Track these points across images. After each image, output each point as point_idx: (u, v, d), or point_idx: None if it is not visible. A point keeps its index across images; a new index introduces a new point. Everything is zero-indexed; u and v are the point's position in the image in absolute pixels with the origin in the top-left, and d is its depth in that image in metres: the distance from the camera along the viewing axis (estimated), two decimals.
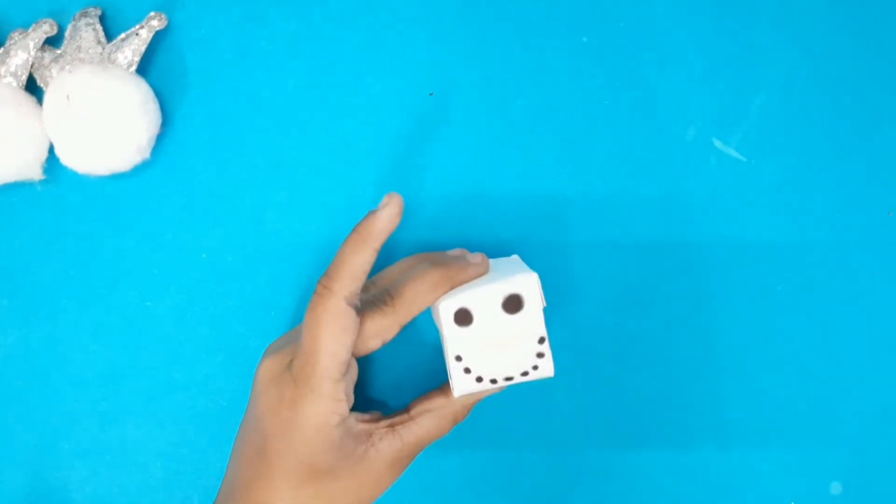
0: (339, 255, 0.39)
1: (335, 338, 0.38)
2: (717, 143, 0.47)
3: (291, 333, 0.43)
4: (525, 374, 0.40)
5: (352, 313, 0.38)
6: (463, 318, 0.40)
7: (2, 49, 0.46)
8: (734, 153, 0.48)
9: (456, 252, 0.44)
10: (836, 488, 0.47)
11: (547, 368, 0.40)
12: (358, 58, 0.47)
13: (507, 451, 0.47)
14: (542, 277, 0.39)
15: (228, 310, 0.47)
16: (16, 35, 0.46)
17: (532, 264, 0.43)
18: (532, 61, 0.48)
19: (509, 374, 0.40)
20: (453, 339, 0.40)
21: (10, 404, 0.47)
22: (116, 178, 0.46)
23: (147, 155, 0.46)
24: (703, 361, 0.47)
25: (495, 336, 0.40)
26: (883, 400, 0.47)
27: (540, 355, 0.40)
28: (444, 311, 0.39)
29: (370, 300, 0.40)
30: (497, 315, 0.39)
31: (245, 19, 0.47)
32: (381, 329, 0.39)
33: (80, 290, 0.47)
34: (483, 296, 0.39)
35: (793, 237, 0.47)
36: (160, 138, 0.46)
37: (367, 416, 0.41)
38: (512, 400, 0.47)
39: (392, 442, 0.41)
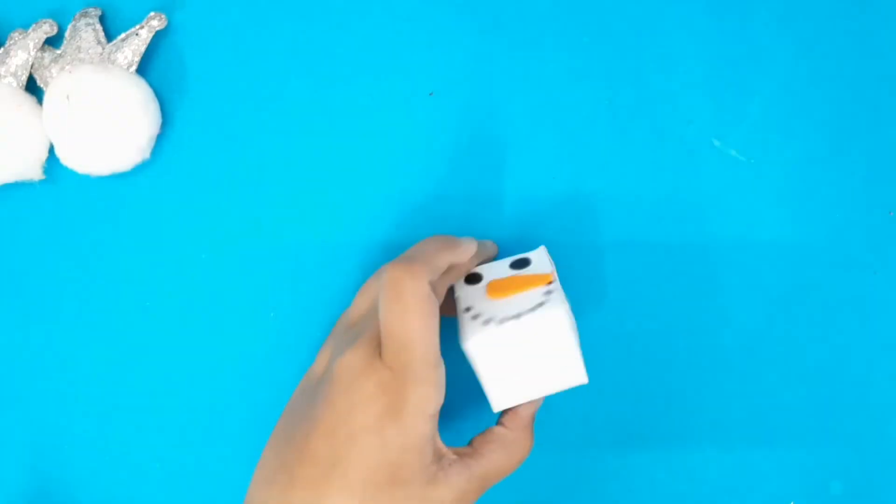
0: (421, 247, 0.39)
1: (427, 322, 0.36)
2: (717, 143, 0.47)
3: (347, 326, 0.41)
4: (533, 309, 0.38)
5: (435, 298, 0.37)
6: (473, 278, 0.41)
7: (2, 49, 0.46)
8: (734, 153, 0.47)
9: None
10: (836, 488, 0.47)
11: (558, 298, 0.39)
12: (358, 58, 0.47)
13: None
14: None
15: (229, 310, 0.47)
16: (16, 35, 0.46)
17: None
18: (532, 61, 0.48)
19: (517, 312, 0.38)
20: (464, 295, 0.40)
21: (10, 404, 0.47)
22: (116, 178, 0.46)
23: (147, 155, 0.46)
24: (702, 361, 0.47)
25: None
26: (883, 400, 0.47)
27: (548, 292, 0.39)
28: (458, 286, 0.41)
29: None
30: (505, 273, 0.41)
31: (245, 19, 0.47)
32: None
33: (80, 290, 0.47)
34: (492, 265, 0.42)
35: (793, 237, 0.47)
36: (160, 138, 0.46)
37: (454, 449, 0.40)
38: None
39: (461, 471, 0.38)
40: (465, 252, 0.40)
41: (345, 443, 0.36)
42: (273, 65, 0.47)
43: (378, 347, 0.37)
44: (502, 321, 0.38)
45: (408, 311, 0.36)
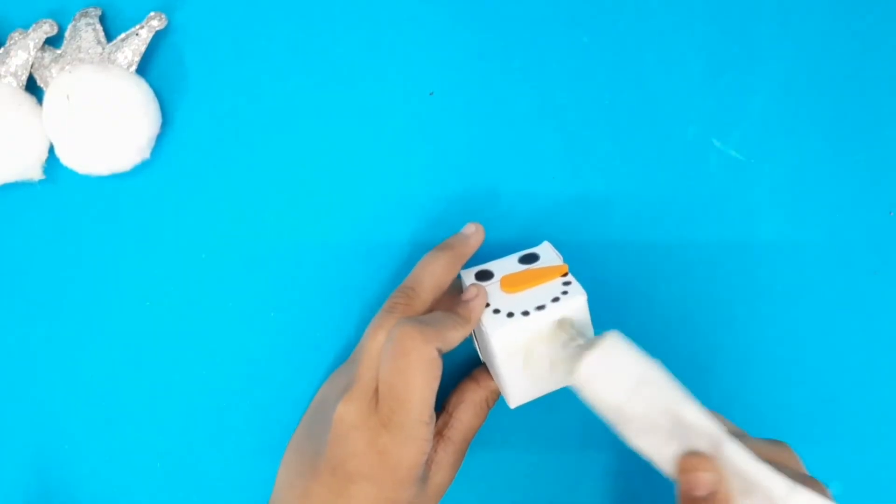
0: (439, 317, 0.39)
1: (428, 385, 0.38)
2: (717, 143, 0.47)
3: (351, 369, 0.42)
4: (556, 300, 0.39)
5: (440, 364, 0.38)
6: (483, 275, 0.41)
7: (2, 49, 0.46)
8: (734, 153, 0.48)
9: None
10: (836, 488, 0.47)
11: (577, 291, 0.40)
12: (358, 58, 0.47)
13: (508, 451, 0.47)
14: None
15: (228, 310, 0.47)
16: (16, 35, 0.46)
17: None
18: (532, 61, 0.48)
19: (540, 303, 0.39)
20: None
21: (10, 404, 0.47)
22: (116, 178, 0.46)
23: (147, 155, 0.46)
24: (702, 361, 0.47)
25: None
26: (883, 400, 0.47)
27: (566, 283, 0.40)
28: (465, 277, 0.41)
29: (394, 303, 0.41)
30: (515, 269, 0.41)
31: (245, 19, 0.47)
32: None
33: (80, 290, 0.47)
34: (500, 261, 0.42)
35: (793, 237, 0.47)
36: (160, 138, 0.46)
37: None
38: None
39: (446, 449, 0.42)
40: (472, 327, 0.40)
41: (345, 482, 0.39)
42: (273, 65, 0.47)
43: (374, 395, 0.39)
44: (526, 313, 0.39)
45: (411, 371, 0.38)
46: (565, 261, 0.43)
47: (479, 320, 0.40)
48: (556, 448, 0.47)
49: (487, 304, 0.40)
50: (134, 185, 0.47)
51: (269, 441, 0.46)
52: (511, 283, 0.41)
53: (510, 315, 0.39)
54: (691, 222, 0.47)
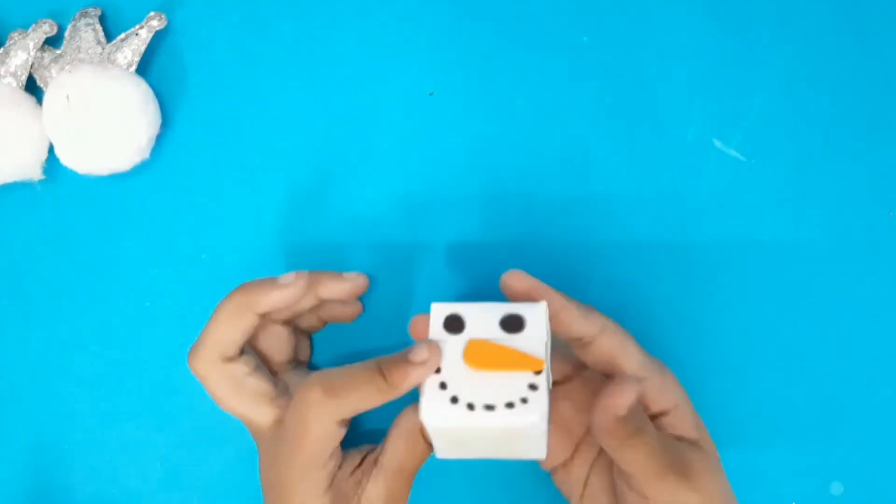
0: (354, 382, 0.37)
1: (323, 452, 0.37)
2: (718, 143, 0.47)
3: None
4: (510, 406, 0.34)
5: (342, 432, 0.38)
6: (453, 324, 0.35)
7: (2, 49, 0.46)
8: (734, 153, 0.47)
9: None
10: (836, 488, 0.47)
11: (537, 407, 0.33)
12: (358, 58, 0.47)
13: None
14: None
15: None
16: (16, 35, 0.46)
17: (531, 265, 0.43)
18: (532, 61, 0.48)
19: (491, 402, 0.33)
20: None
21: (10, 404, 0.47)
22: (116, 178, 0.46)
23: (147, 155, 0.46)
24: (702, 361, 0.47)
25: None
26: (883, 400, 0.47)
27: (533, 387, 0.34)
28: (435, 314, 0.35)
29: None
30: (492, 332, 0.35)
31: (245, 19, 0.47)
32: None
33: (80, 290, 0.47)
34: (480, 309, 0.35)
35: (793, 237, 0.47)
36: (160, 138, 0.46)
37: (357, 459, 0.40)
38: None
39: (376, 480, 0.38)
40: (397, 394, 0.36)
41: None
42: (273, 65, 0.47)
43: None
44: (472, 406, 0.34)
45: (304, 439, 0.37)
46: (565, 260, 0.42)
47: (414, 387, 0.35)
48: None
49: (438, 370, 0.34)
50: (134, 185, 0.47)
51: None
52: (475, 357, 0.35)
53: (454, 400, 0.34)
54: (691, 222, 0.47)
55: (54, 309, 0.47)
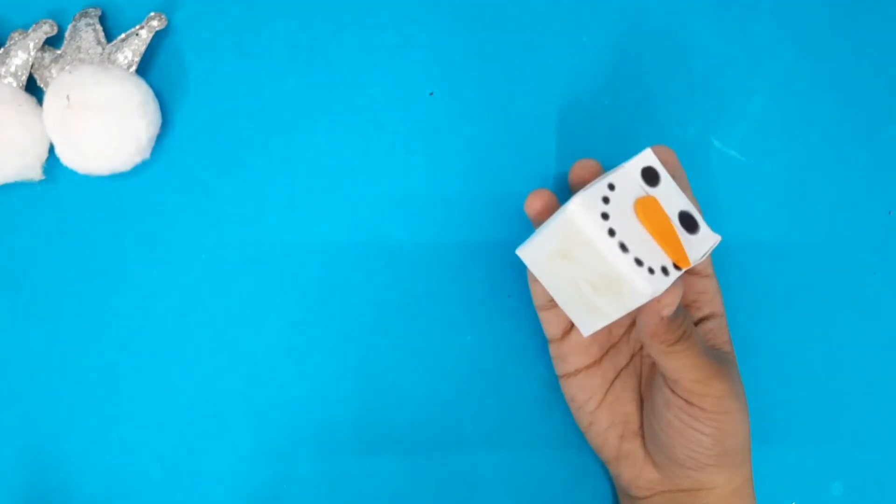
0: None
1: None
2: (717, 143, 0.47)
3: None
4: (639, 263, 0.35)
5: None
6: (650, 175, 0.37)
7: (2, 49, 0.46)
8: (734, 153, 0.48)
9: None
10: (836, 488, 0.47)
11: (650, 286, 0.35)
12: (358, 58, 0.47)
13: (508, 451, 0.47)
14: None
15: (228, 310, 0.47)
16: (16, 35, 0.46)
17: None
18: (532, 61, 0.48)
19: (629, 245, 0.35)
20: (625, 175, 0.36)
21: (10, 404, 0.47)
22: (116, 178, 0.46)
23: (147, 155, 0.46)
24: None
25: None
26: (883, 400, 0.47)
27: (665, 271, 0.35)
28: (644, 155, 0.37)
29: None
30: (670, 211, 0.36)
31: (245, 19, 0.47)
32: None
33: (80, 290, 0.47)
34: (675, 189, 0.37)
35: (793, 237, 0.47)
36: (160, 138, 0.46)
37: None
38: (512, 400, 0.47)
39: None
40: None
41: None
42: (273, 65, 0.47)
43: None
44: (612, 233, 0.35)
45: None
46: None
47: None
48: (557, 448, 0.47)
49: (612, 187, 0.35)
50: (134, 185, 0.47)
51: (269, 441, 0.46)
52: (644, 209, 0.36)
53: (605, 217, 0.35)
54: None
55: (54, 309, 0.47)
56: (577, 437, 0.47)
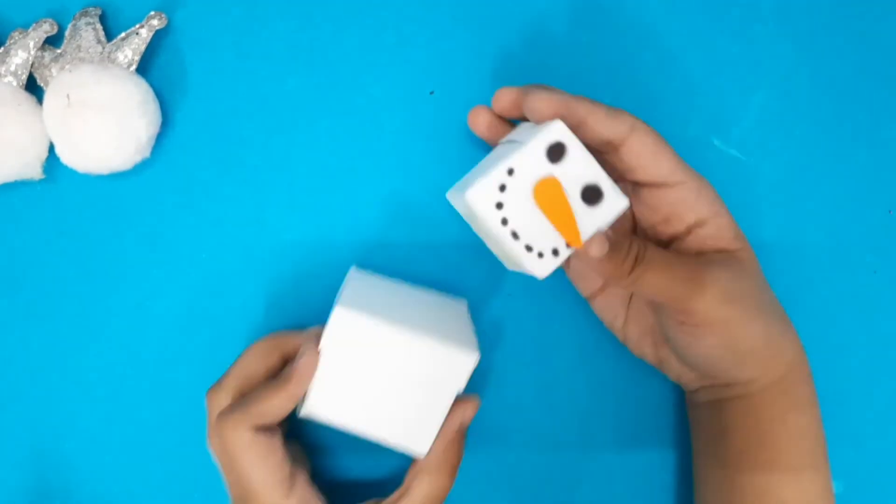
0: (256, 392, 0.39)
1: (260, 466, 0.38)
2: (717, 143, 0.47)
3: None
4: (529, 249, 0.37)
5: (264, 439, 0.38)
6: (555, 152, 0.36)
7: (2, 49, 0.46)
8: (734, 152, 0.48)
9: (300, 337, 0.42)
10: (836, 488, 0.47)
11: (545, 267, 0.37)
12: (358, 58, 0.47)
13: (508, 451, 0.47)
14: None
15: (228, 310, 0.47)
16: (16, 35, 0.46)
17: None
18: (532, 61, 0.48)
19: (520, 233, 0.37)
20: (526, 157, 0.36)
21: (10, 404, 0.47)
22: (116, 177, 0.46)
23: (147, 154, 0.46)
24: None
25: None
26: (883, 399, 0.47)
27: (555, 252, 0.37)
28: (550, 131, 0.36)
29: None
30: (573, 189, 0.37)
31: (245, 19, 0.47)
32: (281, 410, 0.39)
33: (80, 290, 0.47)
34: (585, 159, 0.36)
35: (792, 236, 0.47)
36: (160, 138, 0.46)
37: None
38: (512, 400, 0.47)
39: None
40: (296, 389, 0.38)
41: None
42: (273, 65, 0.47)
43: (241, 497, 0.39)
44: (505, 221, 0.36)
45: (237, 462, 0.38)
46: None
47: (307, 382, 0.38)
48: (556, 448, 0.47)
49: (511, 172, 0.36)
50: (134, 184, 0.47)
51: None
52: (542, 193, 0.37)
53: (499, 206, 0.36)
54: None
55: (54, 309, 0.47)
56: (577, 437, 0.47)
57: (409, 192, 0.47)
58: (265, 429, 0.38)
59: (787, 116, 0.48)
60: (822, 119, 0.48)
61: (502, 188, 0.36)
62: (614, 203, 0.37)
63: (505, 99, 0.41)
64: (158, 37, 0.46)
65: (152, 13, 0.46)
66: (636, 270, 0.37)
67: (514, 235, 0.37)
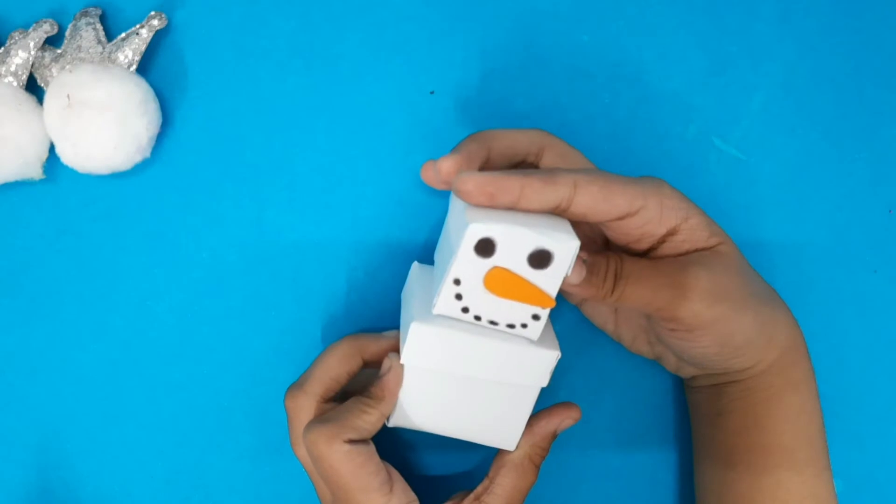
0: (348, 406, 0.39)
1: (358, 476, 0.38)
2: (718, 142, 0.48)
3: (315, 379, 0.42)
4: (511, 326, 0.38)
5: (360, 447, 0.38)
6: (485, 248, 0.36)
7: (2, 49, 0.46)
8: (735, 152, 0.48)
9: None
10: (836, 487, 0.47)
11: (534, 332, 0.38)
12: (358, 57, 0.47)
13: None
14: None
15: (228, 310, 0.47)
16: (16, 35, 0.46)
17: None
18: (532, 61, 0.48)
19: (496, 320, 0.37)
20: (463, 263, 0.36)
21: (10, 404, 0.47)
22: (116, 177, 0.46)
23: (147, 154, 0.46)
24: None
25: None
26: (883, 399, 0.47)
27: (536, 317, 0.37)
28: (470, 234, 0.36)
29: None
30: (519, 262, 0.36)
31: (245, 19, 0.47)
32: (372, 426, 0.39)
33: (80, 290, 0.47)
34: (515, 236, 0.36)
35: (793, 236, 0.47)
36: (160, 138, 0.46)
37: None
38: None
39: None
40: (388, 407, 0.39)
41: None
42: (273, 65, 0.47)
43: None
44: (479, 318, 0.38)
45: (334, 474, 0.38)
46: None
47: (395, 396, 0.39)
48: (556, 448, 0.47)
49: (457, 282, 0.37)
50: (134, 184, 0.47)
51: (269, 441, 0.46)
52: (495, 283, 0.37)
53: (465, 310, 0.37)
54: None
55: (54, 309, 0.47)
56: (577, 436, 0.47)
57: (409, 192, 0.47)
58: (359, 440, 0.39)
59: (788, 116, 0.48)
60: (822, 119, 0.48)
61: (458, 297, 0.37)
62: (566, 250, 0.36)
63: (432, 177, 0.40)
64: (158, 37, 0.46)
65: (152, 13, 0.46)
66: (617, 288, 0.37)
67: (493, 323, 0.38)
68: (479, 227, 0.36)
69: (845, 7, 0.48)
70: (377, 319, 0.46)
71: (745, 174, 0.47)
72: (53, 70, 0.45)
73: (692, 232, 0.39)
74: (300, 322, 0.47)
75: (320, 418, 0.39)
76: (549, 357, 0.38)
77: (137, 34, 0.45)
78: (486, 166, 0.40)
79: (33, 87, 0.46)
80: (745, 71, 0.48)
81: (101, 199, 0.47)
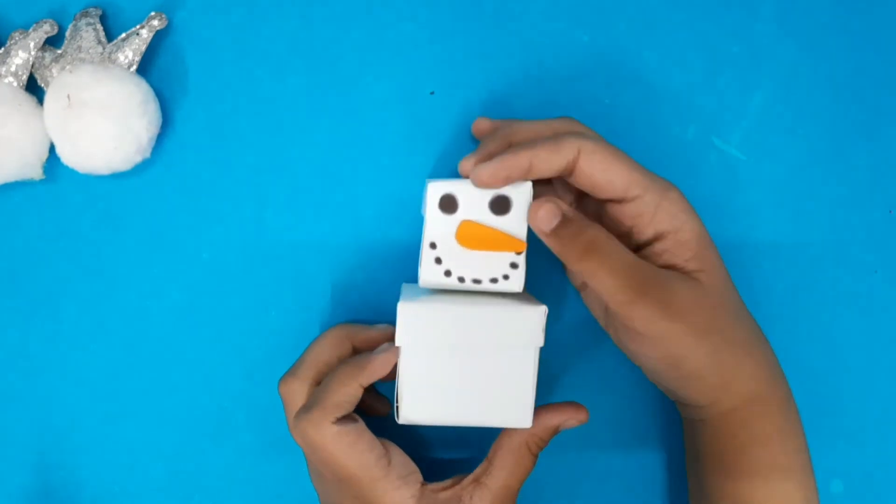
0: (325, 384, 0.40)
1: (351, 455, 0.38)
2: (717, 142, 0.48)
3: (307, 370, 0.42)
4: (494, 280, 0.39)
5: (347, 425, 0.39)
6: (448, 204, 0.39)
7: (2, 49, 0.46)
8: (734, 152, 0.48)
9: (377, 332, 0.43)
10: (836, 487, 0.47)
11: (516, 282, 0.39)
12: (358, 57, 0.47)
13: None
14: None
15: (228, 310, 0.47)
16: (16, 35, 0.46)
17: (530, 263, 0.43)
18: (532, 61, 0.48)
19: (478, 277, 0.39)
20: (433, 224, 0.39)
21: (10, 404, 0.47)
22: (116, 177, 0.46)
23: (148, 154, 0.46)
24: None
25: None
26: (883, 399, 0.47)
27: (514, 265, 0.39)
28: (431, 193, 0.39)
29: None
30: (482, 212, 0.39)
31: (245, 19, 0.47)
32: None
33: (80, 290, 0.47)
34: (472, 187, 0.39)
35: (793, 236, 0.47)
36: (160, 138, 0.46)
37: (447, 483, 0.41)
38: None
39: (482, 497, 0.40)
40: (367, 379, 0.40)
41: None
42: (273, 65, 0.47)
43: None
44: (462, 279, 0.39)
45: (327, 457, 0.39)
46: None
47: (379, 375, 0.39)
48: (556, 448, 0.47)
49: (433, 246, 0.39)
50: (134, 185, 0.47)
51: (269, 441, 0.47)
52: (467, 237, 0.39)
53: (447, 274, 0.39)
54: None
55: (54, 309, 0.47)
56: (577, 436, 0.47)
57: (409, 192, 0.47)
58: (346, 418, 0.39)
59: (788, 116, 0.48)
60: (822, 119, 0.48)
61: (438, 261, 0.39)
62: (522, 193, 0.39)
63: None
64: (159, 37, 0.46)
65: (152, 14, 0.46)
66: (587, 256, 0.37)
67: (476, 282, 0.39)
68: (438, 185, 0.39)
69: (845, 7, 0.48)
70: (376, 319, 0.46)
71: (745, 174, 0.47)
72: (54, 70, 0.46)
73: (676, 246, 0.39)
74: (300, 322, 0.47)
75: (303, 406, 0.40)
76: (538, 313, 0.39)
77: (137, 34, 0.45)
78: None
79: (33, 88, 0.46)
80: (745, 71, 0.48)
81: (101, 199, 0.47)
